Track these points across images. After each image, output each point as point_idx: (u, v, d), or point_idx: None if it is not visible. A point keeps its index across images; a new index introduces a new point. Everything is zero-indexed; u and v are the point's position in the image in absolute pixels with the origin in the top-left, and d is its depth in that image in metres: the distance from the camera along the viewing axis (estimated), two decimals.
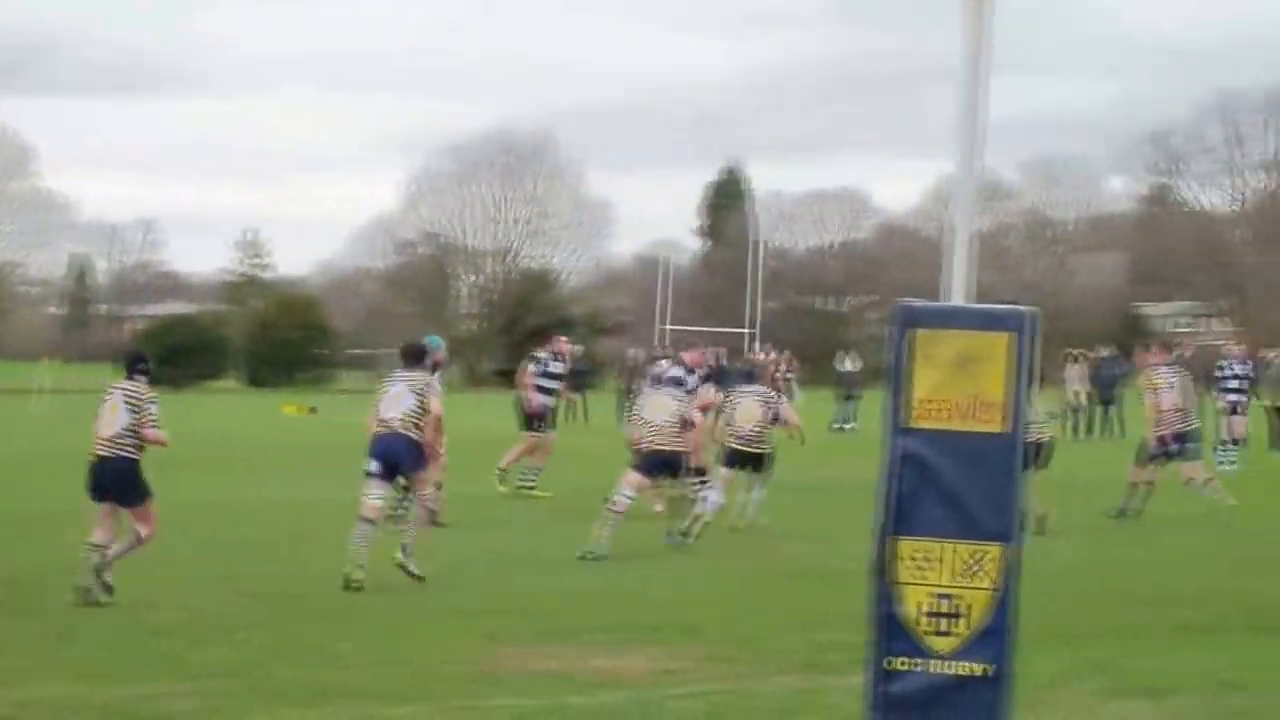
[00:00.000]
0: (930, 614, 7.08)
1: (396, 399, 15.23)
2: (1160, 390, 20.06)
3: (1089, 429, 37.96)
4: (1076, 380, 38.27)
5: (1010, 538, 7.09)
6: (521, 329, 78.23)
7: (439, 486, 18.21)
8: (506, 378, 70.97)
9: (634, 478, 17.09)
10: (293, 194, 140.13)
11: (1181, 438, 19.90)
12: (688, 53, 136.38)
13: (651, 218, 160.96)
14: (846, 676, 9.71)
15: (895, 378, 7.06)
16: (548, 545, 16.90)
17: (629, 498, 16.85)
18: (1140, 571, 15.70)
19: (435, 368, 18.91)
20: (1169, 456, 19.96)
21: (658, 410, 17.54)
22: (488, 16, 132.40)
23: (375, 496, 14.86)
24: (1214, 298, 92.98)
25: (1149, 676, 10.64)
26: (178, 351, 68.99)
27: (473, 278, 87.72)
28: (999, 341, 6.93)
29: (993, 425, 7.00)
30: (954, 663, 7.07)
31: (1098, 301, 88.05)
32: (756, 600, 13.87)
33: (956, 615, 7.06)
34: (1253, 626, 12.57)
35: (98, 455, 13.71)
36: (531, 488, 22.24)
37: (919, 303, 7.03)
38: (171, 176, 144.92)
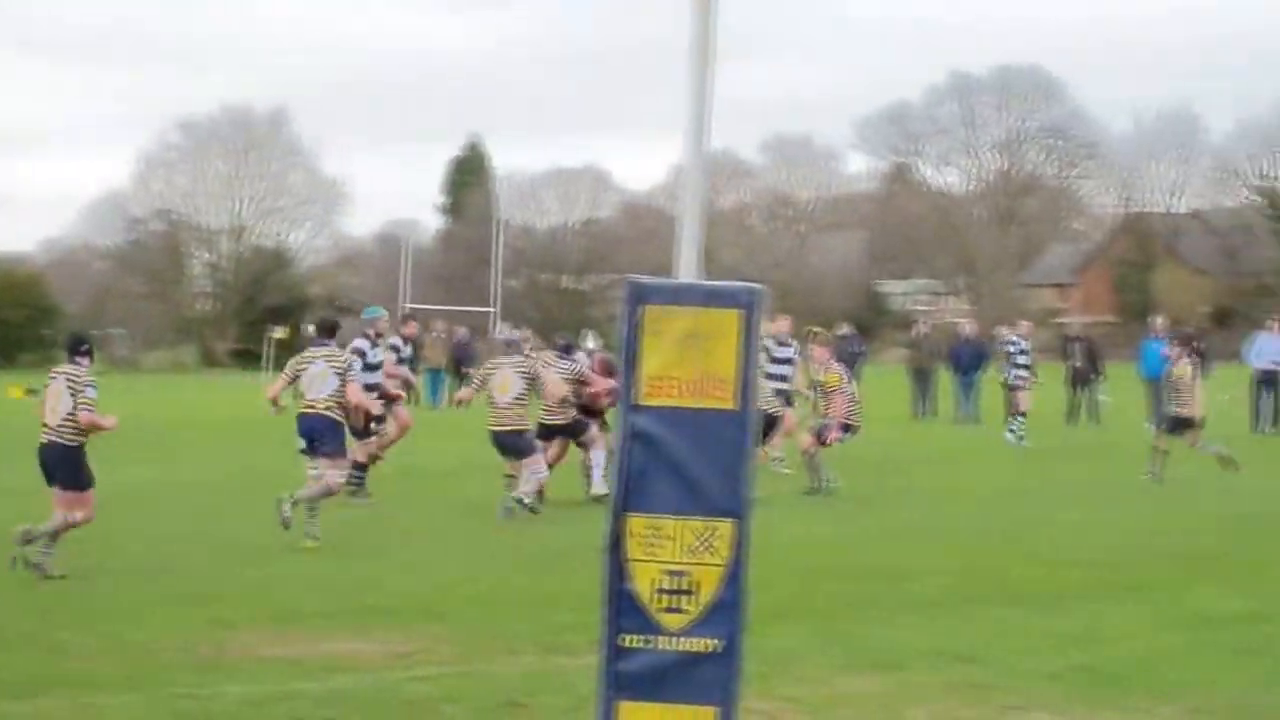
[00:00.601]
0: (661, 590, 7.04)
1: (321, 379, 16.26)
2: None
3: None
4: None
5: (741, 514, 7.07)
6: (256, 308, 77.10)
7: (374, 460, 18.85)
8: (242, 358, 70.06)
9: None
10: (15, 170, 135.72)
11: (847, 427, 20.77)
12: (428, 29, 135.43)
13: (393, 196, 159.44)
14: (583, 656, 9.68)
15: (627, 355, 7.00)
16: (279, 530, 16.54)
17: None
18: (865, 545, 15.88)
19: (377, 338, 19.02)
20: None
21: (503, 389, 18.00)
22: None
23: (311, 468, 16.32)
24: (950, 276, 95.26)
25: (881, 649, 10.78)
26: None
27: (206, 256, 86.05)
28: (729, 318, 6.91)
29: (724, 402, 6.97)
30: (685, 639, 7.03)
31: (838, 279, 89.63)
32: (496, 582, 13.75)
33: (687, 592, 7.03)
34: (979, 598, 12.81)
35: (43, 440, 13.92)
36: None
37: (649, 279, 6.98)
38: None
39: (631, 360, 6.97)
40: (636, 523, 7.05)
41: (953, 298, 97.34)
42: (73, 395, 13.77)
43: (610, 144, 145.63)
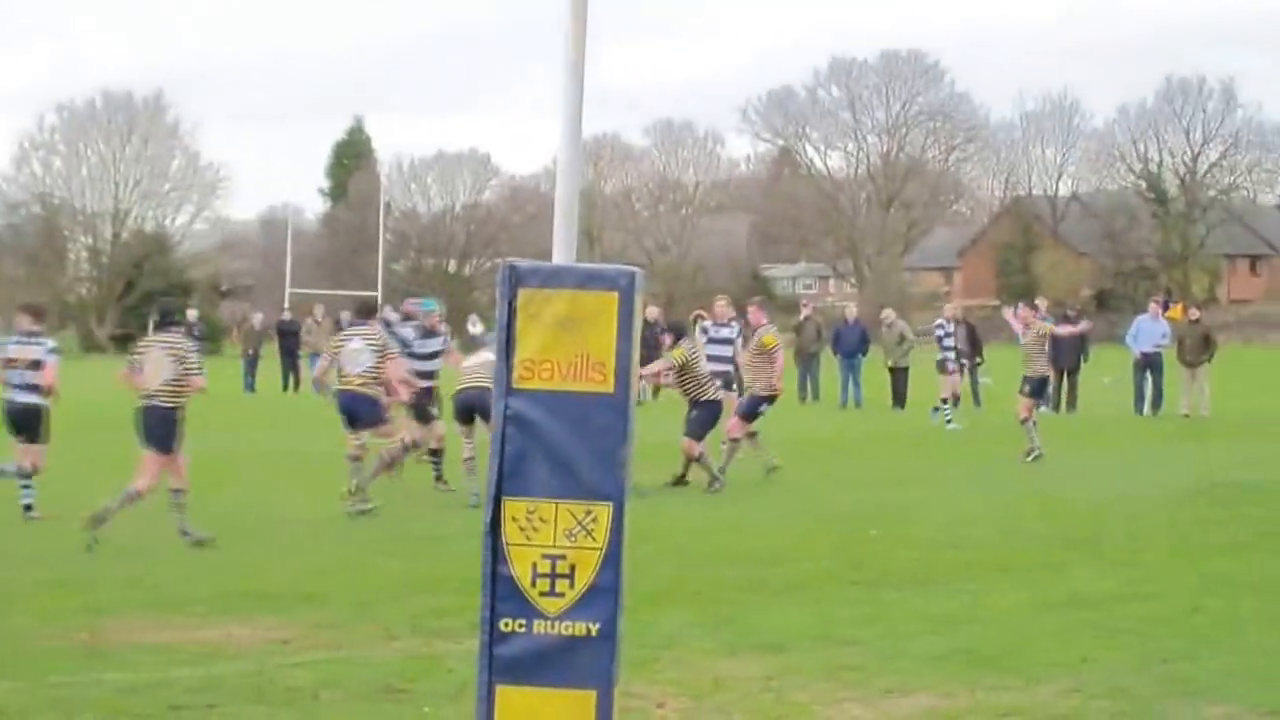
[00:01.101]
0: (539, 574, 7.03)
1: (356, 355, 17.10)
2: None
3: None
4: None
5: (618, 497, 7.07)
6: (137, 293, 76.29)
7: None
8: (123, 343, 69.26)
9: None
10: None
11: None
12: (309, 12, 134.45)
13: (276, 179, 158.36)
14: (463, 641, 9.67)
15: (504, 339, 6.97)
16: (159, 518, 16.32)
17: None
18: (747, 530, 15.93)
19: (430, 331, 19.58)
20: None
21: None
22: None
23: (353, 439, 17.39)
24: (835, 259, 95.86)
25: (763, 633, 10.81)
26: None
27: (86, 240, 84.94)
28: (606, 300, 6.89)
29: (601, 385, 6.96)
30: (563, 623, 7.02)
31: (724, 264, 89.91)
32: (376, 567, 13.68)
33: (565, 575, 7.02)
34: (860, 581, 12.89)
35: (143, 405, 14.86)
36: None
37: (524, 262, 6.95)
38: None
39: (508, 344, 6.95)
40: (514, 507, 7.03)
41: (838, 281, 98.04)
42: (178, 362, 14.84)
43: (495, 127, 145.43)
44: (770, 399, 20.52)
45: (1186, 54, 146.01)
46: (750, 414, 20.47)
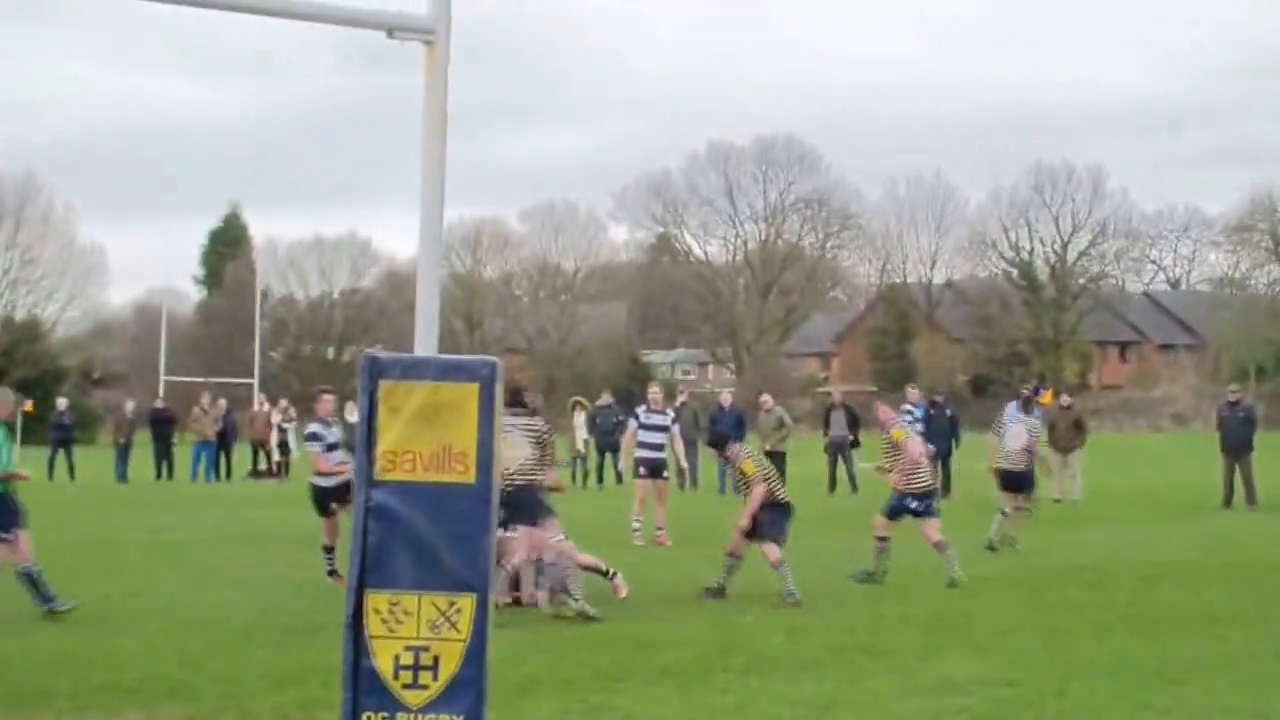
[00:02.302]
0: (403, 666, 7.01)
1: (517, 447, 16.07)
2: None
3: (597, 477, 38.38)
4: (583, 428, 38.61)
5: (482, 588, 7.07)
6: (8, 381, 75.06)
7: None
8: None
9: None
10: None
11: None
12: (187, 97, 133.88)
13: (151, 267, 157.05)
14: None
15: (365, 431, 6.98)
16: (27, 603, 16.07)
17: None
18: (618, 616, 15.82)
19: None
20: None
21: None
22: None
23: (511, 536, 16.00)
24: (714, 345, 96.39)
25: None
26: None
27: None
28: (467, 391, 6.92)
29: (463, 475, 6.98)
30: (426, 715, 7.01)
31: (603, 349, 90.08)
32: (244, 656, 13.51)
33: (429, 667, 7.01)
34: (729, 668, 12.88)
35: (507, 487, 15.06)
36: None
37: (384, 354, 6.97)
38: None
39: (369, 436, 6.96)
40: (377, 599, 7.03)
41: (717, 367, 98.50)
42: (538, 445, 15.94)
43: (372, 212, 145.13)
44: (919, 494, 19.13)
45: (1055, 142, 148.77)
46: (897, 512, 19.19)
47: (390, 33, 7.63)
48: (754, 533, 17.32)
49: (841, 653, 13.53)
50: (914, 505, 19.00)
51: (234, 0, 7.82)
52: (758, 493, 17.19)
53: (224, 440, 43.01)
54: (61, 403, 45.48)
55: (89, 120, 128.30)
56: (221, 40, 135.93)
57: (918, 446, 19.51)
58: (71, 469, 41.28)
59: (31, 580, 15.55)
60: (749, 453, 18.05)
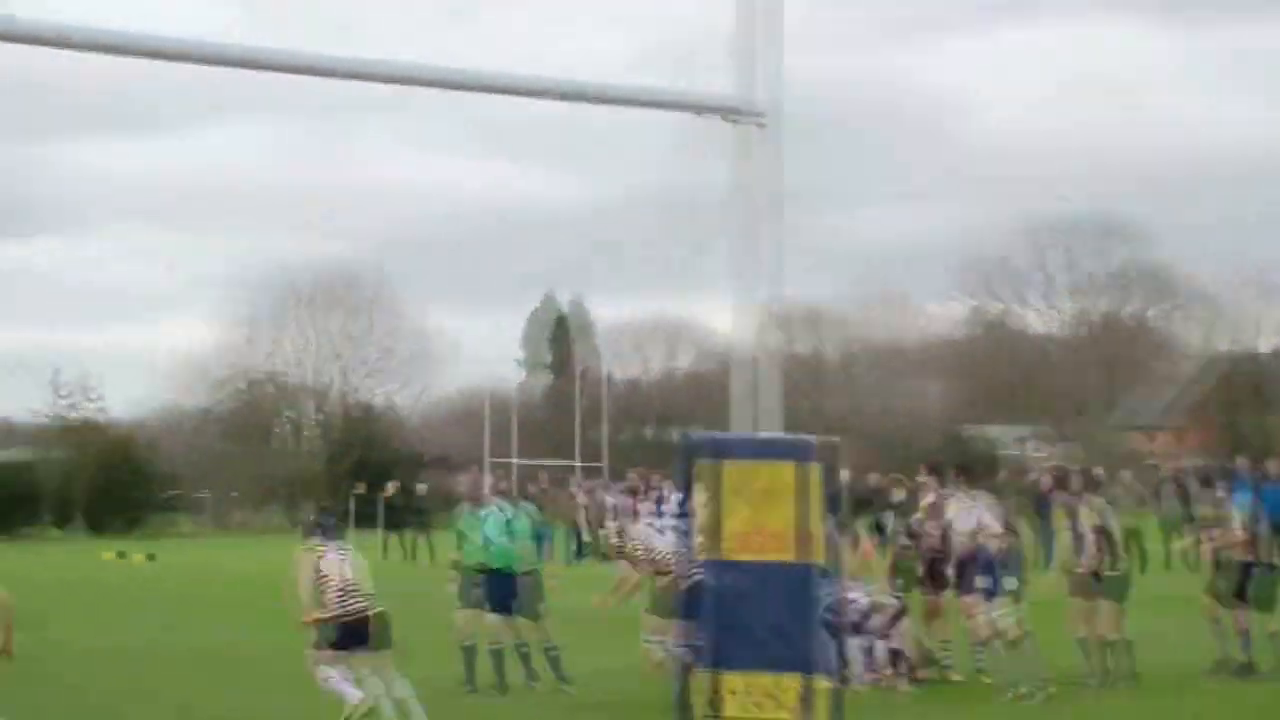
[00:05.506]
0: None
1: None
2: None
3: None
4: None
5: (810, 667, 7.04)
6: (347, 465, 77.29)
7: None
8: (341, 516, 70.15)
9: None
10: (111, 333, 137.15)
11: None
12: (518, 184, 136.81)
13: (485, 349, 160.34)
14: None
15: (683, 510, 7.03)
16: None
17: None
18: None
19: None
20: None
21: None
22: (315, 149, 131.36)
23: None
24: (1041, 420, 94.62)
25: None
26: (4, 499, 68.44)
27: (297, 414, 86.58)
28: (785, 469, 6.93)
29: (781, 553, 6.97)
30: None
31: (925, 425, 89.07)
32: None
33: None
34: None
35: None
36: None
37: (699, 434, 7.03)
38: None
39: (690, 515, 7.01)
40: (732, 680, 6.97)
41: (1038, 442, 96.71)
42: None
43: (694, 292, 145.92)
44: None
45: None
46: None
47: (724, 117, 7.76)
48: None
49: None
50: None
51: (573, 90, 8.02)
52: None
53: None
54: (421, 487, 46.55)
55: (424, 209, 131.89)
56: (552, 129, 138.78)
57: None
58: (431, 550, 42.03)
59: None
60: None
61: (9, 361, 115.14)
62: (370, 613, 14.53)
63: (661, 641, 17.33)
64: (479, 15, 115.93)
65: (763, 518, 6.97)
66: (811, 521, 6.98)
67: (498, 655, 17.75)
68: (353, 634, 14.43)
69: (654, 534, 17.47)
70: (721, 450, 6.95)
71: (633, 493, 43.53)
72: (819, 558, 7.06)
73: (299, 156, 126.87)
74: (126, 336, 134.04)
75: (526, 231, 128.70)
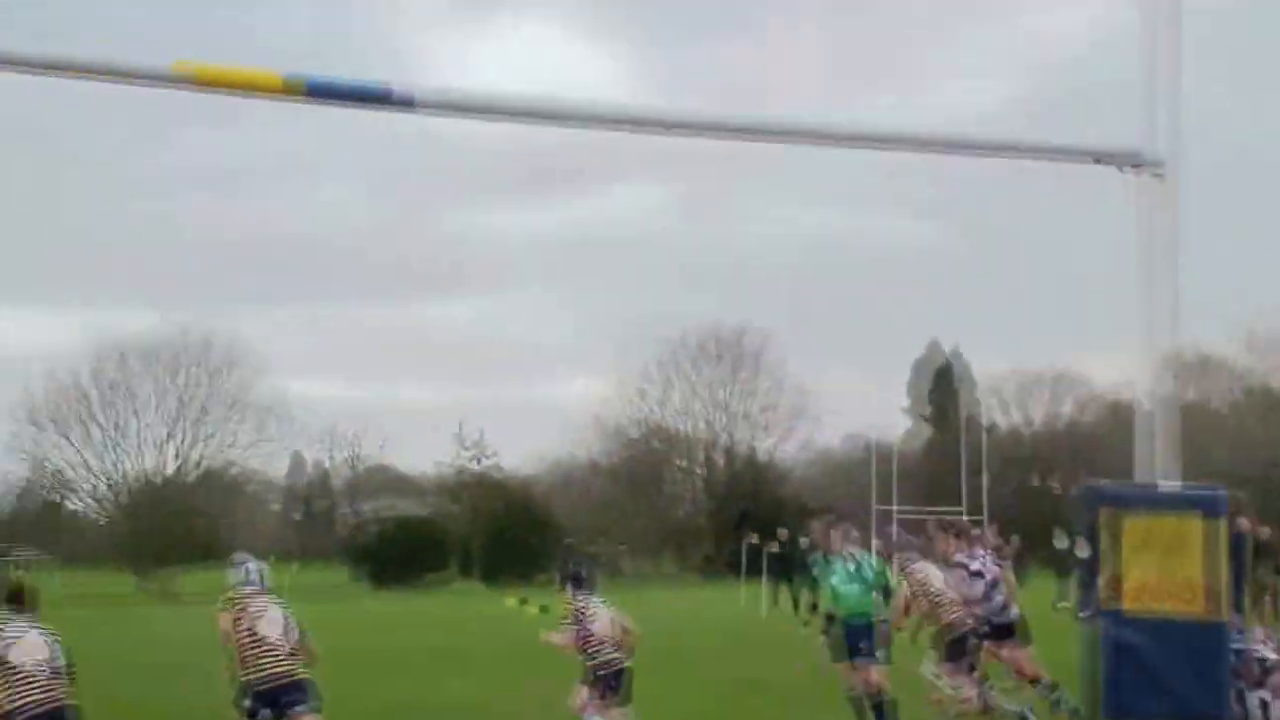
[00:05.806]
0: None
1: None
2: None
3: None
4: None
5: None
6: (732, 515, 77.96)
7: None
8: (726, 565, 70.84)
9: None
10: (506, 388, 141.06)
11: None
12: (889, 234, 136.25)
13: (863, 398, 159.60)
14: None
15: (1089, 560, 7.00)
16: None
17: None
18: None
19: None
20: None
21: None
22: (701, 205, 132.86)
23: None
24: None
25: None
26: (410, 550, 72.51)
27: (686, 464, 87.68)
28: (1192, 521, 6.84)
29: (1190, 605, 6.88)
30: None
31: None
32: None
33: None
34: None
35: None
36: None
37: (1106, 484, 6.98)
38: (378, 374, 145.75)
39: (1093, 565, 6.97)
40: None
41: None
42: None
43: (1075, 340, 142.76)
44: None
45: None
46: None
47: (1121, 168, 7.74)
48: None
49: None
50: None
51: (945, 142, 8.08)
52: None
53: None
54: (804, 542, 46.48)
55: (808, 259, 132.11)
56: (918, 177, 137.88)
57: None
58: (815, 606, 41.66)
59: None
60: None
61: (421, 417, 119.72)
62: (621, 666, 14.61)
63: (938, 675, 16.98)
64: (844, 68, 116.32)
65: (1169, 570, 6.87)
66: (1220, 576, 6.84)
67: (857, 703, 17.56)
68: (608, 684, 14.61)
69: (935, 573, 16.79)
70: (1126, 501, 6.89)
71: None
72: (1226, 615, 6.91)
73: (688, 212, 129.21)
74: (522, 390, 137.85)
75: (902, 282, 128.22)
